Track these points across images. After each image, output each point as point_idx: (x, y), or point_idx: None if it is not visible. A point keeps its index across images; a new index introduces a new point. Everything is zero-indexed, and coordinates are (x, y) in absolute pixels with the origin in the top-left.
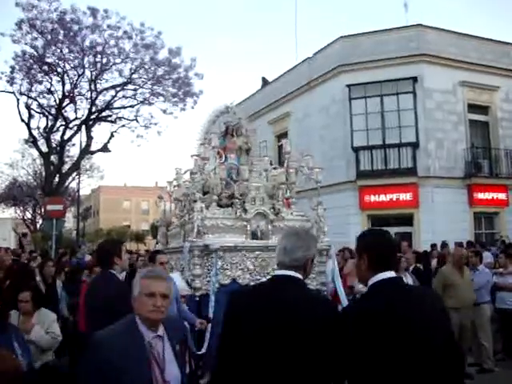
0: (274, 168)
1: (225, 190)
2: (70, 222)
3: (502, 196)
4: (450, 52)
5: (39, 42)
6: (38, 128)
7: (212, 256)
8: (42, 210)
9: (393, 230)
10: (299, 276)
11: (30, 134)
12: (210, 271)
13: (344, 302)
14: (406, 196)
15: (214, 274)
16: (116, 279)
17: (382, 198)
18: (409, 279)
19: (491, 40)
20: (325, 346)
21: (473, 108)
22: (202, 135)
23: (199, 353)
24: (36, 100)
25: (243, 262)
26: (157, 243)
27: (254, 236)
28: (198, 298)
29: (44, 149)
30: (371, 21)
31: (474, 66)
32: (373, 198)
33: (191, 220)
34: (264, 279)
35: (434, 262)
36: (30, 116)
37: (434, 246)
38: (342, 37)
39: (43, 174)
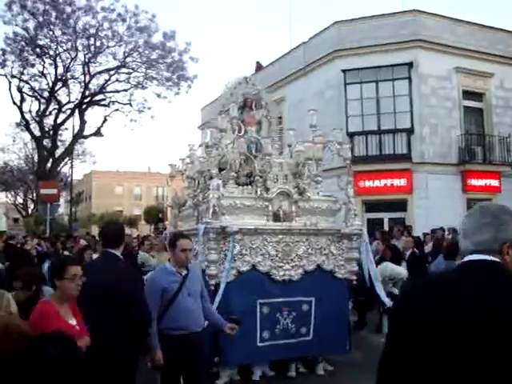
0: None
1: (244, 166)
2: (62, 206)
3: (494, 183)
4: (445, 38)
5: (31, 24)
6: (30, 111)
7: (229, 240)
8: (34, 195)
9: (387, 216)
10: (498, 260)
11: (23, 117)
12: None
13: (382, 295)
14: (400, 182)
15: (230, 259)
16: (121, 262)
17: (377, 183)
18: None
19: (486, 26)
20: None
21: (467, 94)
22: (219, 107)
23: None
24: (28, 83)
25: (264, 246)
26: (155, 229)
27: (276, 218)
28: (213, 287)
29: (36, 133)
30: (367, 5)
31: (469, 52)
32: (367, 184)
33: (206, 199)
34: (287, 266)
35: (428, 247)
36: (22, 99)
37: (433, 231)
38: (337, 22)
39: (35, 158)
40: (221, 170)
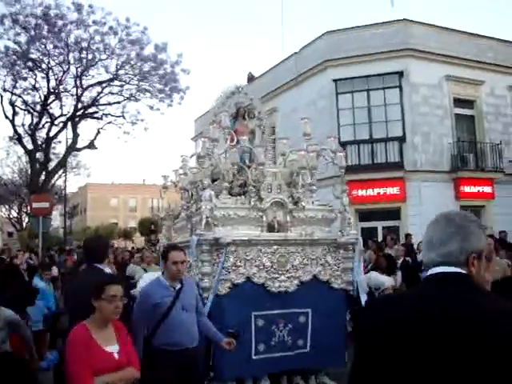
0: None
1: (237, 176)
2: (56, 220)
3: (487, 189)
4: (435, 46)
5: (22, 38)
6: (23, 125)
7: (223, 251)
8: (28, 208)
9: (380, 224)
10: (465, 272)
11: (15, 131)
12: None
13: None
14: (393, 190)
15: (220, 271)
16: (103, 271)
17: (370, 192)
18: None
19: (474, 34)
20: None
21: (458, 102)
22: (211, 117)
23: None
24: (20, 97)
25: (259, 257)
26: (148, 241)
27: (270, 228)
28: (206, 301)
29: (29, 146)
30: (357, 16)
31: (459, 60)
32: (360, 193)
33: (199, 211)
34: (283, 277)
35: (421, 255)
36: (15, 113)
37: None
38: (328, 32)
39: (29, 171)
40: (214, 180)
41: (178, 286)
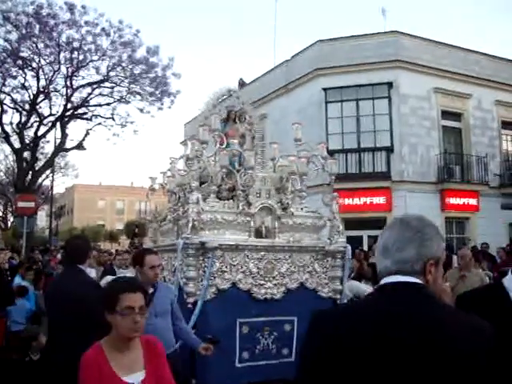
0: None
1: (226, 179)
2: (43, 220)
3: (472, 201)
4: (424, 59)
5: (13, 36)
6: (11, 123)
7: (209, 256)
8: (14, 208)
9: (366, 233)
10: (421, 282)
11: (2, 129)
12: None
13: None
14: (379, 200)
15: (208, 276)
16: (86, 275)
17: (356, 201)
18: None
19: (464, 49)
20: None
21: (446, 114)
22: (202, 120)
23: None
24: (9, 95)
25: (245, 263)
26: (131, 244)
27: (258, 234)
28: (191, 306)
29: (17, 145)
30: (349, 25)
31: (447, 73)
32: (347, 201)
33: (186, 214)
34: (269, 284)
35: None
36: (3, 111)
37: None
38: (319, 40)
39: (16, 170)
40: (202, 183)
41: (151, 290)
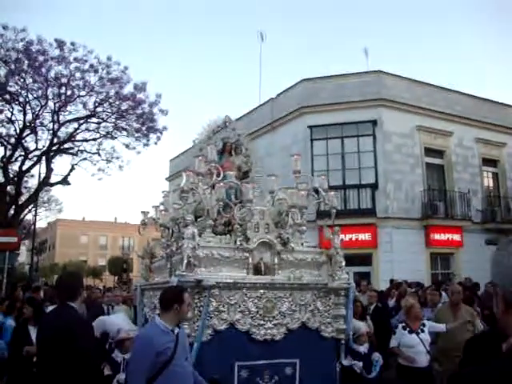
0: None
1: (222, 213)
2: (23, 255)
3: (456, 237)
4: (407, 97)
5: (2, 71)
6: None
7: (205, 294)
8: None
9: (352, 270)
10: None
11: None
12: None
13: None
14: (365, 236)
15: (204, 316)
16: (77, 313)
17: (342, 237)
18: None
19: (445, 88)
20: None
21: (429, 151)
22: (197, 151)
23: None
24: None
25: (243, 302)
26: (119, 279)
27: (256, 271)
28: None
29: (0, 178)
30: (333, 64)
31: (428, 111)
32: None
33: (180, 249)
34: (269, 324)
35: (392, 302)
36: None
37: (392, 281)
38: (304, 79)
39: None
40: (197, 217)
41: (177, 330)
